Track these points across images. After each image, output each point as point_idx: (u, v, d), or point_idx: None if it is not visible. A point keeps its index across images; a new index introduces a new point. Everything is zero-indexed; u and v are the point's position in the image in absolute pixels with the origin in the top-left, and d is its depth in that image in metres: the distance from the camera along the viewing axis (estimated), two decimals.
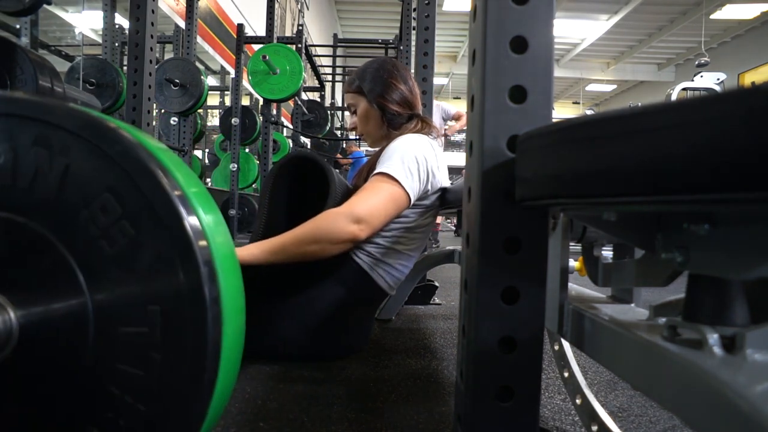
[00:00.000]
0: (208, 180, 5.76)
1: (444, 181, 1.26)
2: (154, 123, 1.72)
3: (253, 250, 1.03)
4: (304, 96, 4.97)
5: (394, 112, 1.27)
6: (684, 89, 5.73)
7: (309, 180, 1.28)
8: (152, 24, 1.61)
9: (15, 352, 0.47)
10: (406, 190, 1.11)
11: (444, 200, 1.24)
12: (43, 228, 0.48)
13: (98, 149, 0.47)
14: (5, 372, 0.48)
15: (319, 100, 5.60)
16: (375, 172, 1.12)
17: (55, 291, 0.48)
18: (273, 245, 1.03)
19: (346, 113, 1.45)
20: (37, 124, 0.48)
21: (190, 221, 0.46)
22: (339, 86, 6.60)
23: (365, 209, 1.06)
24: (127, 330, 0.46)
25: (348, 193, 1.20)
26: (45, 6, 2.05)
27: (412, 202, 1.14)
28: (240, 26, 4.06)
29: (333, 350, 1.16)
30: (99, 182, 0.47)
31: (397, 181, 1.10)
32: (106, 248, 0.47)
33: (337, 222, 1.04)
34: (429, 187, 1.18)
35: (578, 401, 0.81)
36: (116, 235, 0.47)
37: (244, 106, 4.55)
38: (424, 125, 1.29)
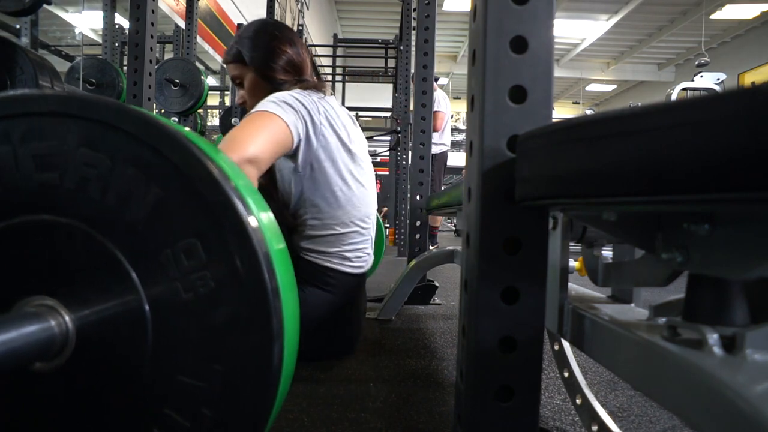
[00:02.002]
0: None
1: (358, 146, 1.16)
2: None
3: None
4: None
5: (282, 80, 1.15)
6: (684, 89, 5.73)
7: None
8: (152, 24, 1.62)
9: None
10: (280, 117, 1.00)
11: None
12: (122, 255, 0.45)
13: (193, 189, 0.44)
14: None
15: None
16: None
17: (118, 320, 0.46)
18: None
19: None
20: (141, 146, 0.45)
21: (271, 286, 0.44)
22: (339, 86, 6.60)
23: (227, 140, 0.95)
24: (185, 380, 0.45)
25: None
26: (45, 6, 2.06)
27: (295, 137, 1.03)
28: (240, 26, 4.06)
29: (323, 351, 1.14)
30: (188, 224, 0.44)
31: (265, 111, 0.99)
32: (181, 293, 0.44)
33: None
34: (316, 130, 1.06)
35: (578, 401, 0.81)
36: (195, 283, 0.44)
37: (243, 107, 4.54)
38: (305, 84, 1.15)
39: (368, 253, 1.21)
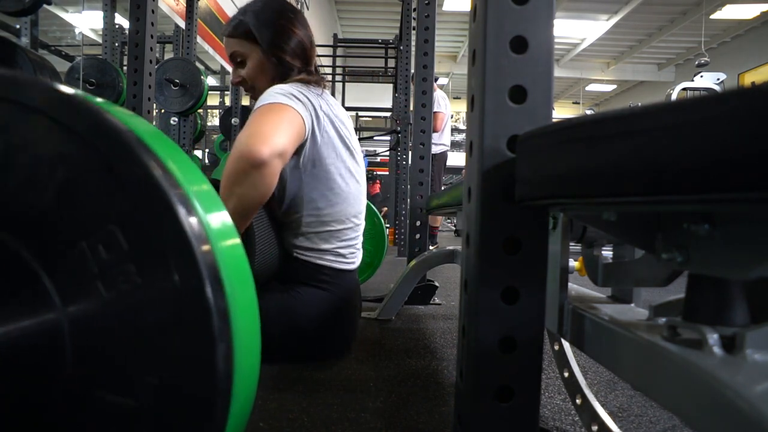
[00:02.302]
0: None
1: (355, 141, 1.15)
2: (154, 123, 1.72)
3: None
4: None
5: (291, 65, 1.10)
6: (684, 89, 5.73)
7: None
8: (152, 24, 1.62)
9: None
10: (293, 107, 0.98)
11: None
12: (27, 252, 0.38)
13: (107, 165, 0.36)
14: None
15: None
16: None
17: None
18: None
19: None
20: (40, 117, 0.37)
21: (210, 277, 0.36)
22: (339, 86, 6.60)
23: (248, 131, 0.93)
24: (110, 398, 0.37)
25: None
26: (45, 6, 2.06)
27: (307, 126, 1.01)
28: None
29: (319, 351, 1.13)
30: (105, 208, 0.37)
31: (270, 102, 0.97)
32: (102, 293, 0.37)
33: (233, 155, 0.93)
34: (320, 126, 1.05)
35: (578, 401, 0.81)
36: (117, 279, 0.37)
37: (244, 106, 4.55)
38: (306, 77, 1.10)
39: (359, 248, 1.21)
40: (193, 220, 0.37)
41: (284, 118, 0.96)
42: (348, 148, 1.14)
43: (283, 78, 1.11)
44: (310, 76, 1.12)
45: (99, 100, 0.41)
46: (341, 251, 1.14)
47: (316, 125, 1.05)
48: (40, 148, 0.38)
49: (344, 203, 1.12)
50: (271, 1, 1.14)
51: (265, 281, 1.09)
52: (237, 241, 0.43)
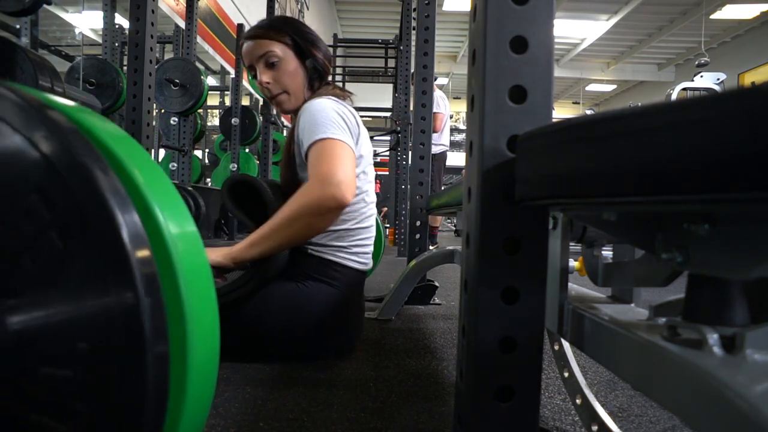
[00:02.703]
0: (209, 180, 5.76)
1: (367, 154, 1.21)
2: (154, 123, 1.72)
3: (238, 247, 1.04)
4: None
5: (316, 75, 1.19)
6: (684, 89, 5.73)
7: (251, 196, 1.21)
8: (152, 24, 1.62)
9: None
10: (349, 145, 1.07)
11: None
12: None
13: (23, 136, 0.36)
14: None
15: None
16: (311, 142, 1.05)
17: None
18: (254, 237, 1.03)
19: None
20: None
21: (129, 226, 0.35)
22: (339, 86, 6.57)
23: (336, 168, 1.01)
24: (49, 371, 0.36)
25: (284, 194, 1.15)
26: (45, 6, 2.06)
27: (358, 143, 1.12)
28: (240, 26, 4.06)
29: (324, 348, 1.14)
30: (25, 180, 0.36)
31: (337, 139, 1.05)
32: (29, 265, 0.36)
33: (315, 192, 1.00)
34: (356, 143, 1.14)
35: (578, 401, 0.81)
36: (41, 248, 0.36)
37: (244, 106, 4.55)
38: (338, 91, 1.21)
39: (370, 252, 1.23)
40: (131, 224, 0.36)
41: (351, 157, 1.06)
42: (368, 154, 1.21)
43: (310, 86, 1.20)
44: (339, 90, 1.21)
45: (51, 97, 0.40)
46: (355, 249, 1.16)
47: (353, 142, 1.12)
48: None
49: (361, 203, 1.18)
50: (291, 17, 1.28)
51: (272, 275, 1.11)
52: (197, 247, 0.42)
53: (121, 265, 0.35)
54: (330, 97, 1.15)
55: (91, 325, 0.36)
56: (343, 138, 1.06)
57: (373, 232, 1.23)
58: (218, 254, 1.04)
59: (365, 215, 1.19)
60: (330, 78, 1.27)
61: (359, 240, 1.18)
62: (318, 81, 1.21)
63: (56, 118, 0.37)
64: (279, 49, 1.15)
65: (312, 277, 1.12)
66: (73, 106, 0.42)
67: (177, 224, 0.41)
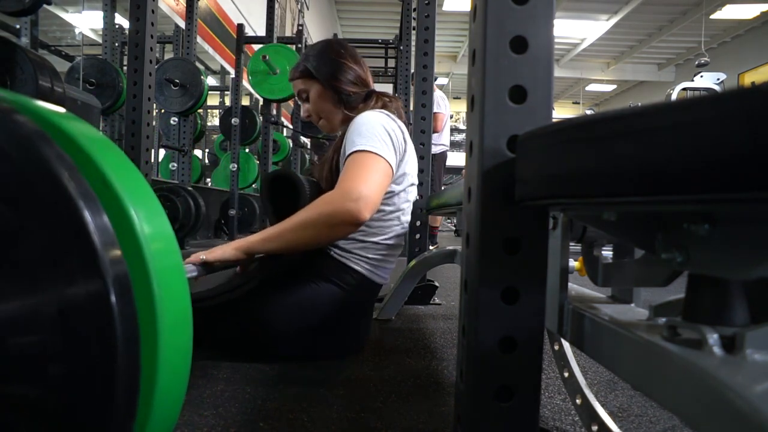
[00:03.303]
0: (209, 180, 5.76)
1: (412, 172, 1.23)
2: (154, 123, 1.72)
3: (251, 239, 1.04)
4: None
5: (349, 92, 1.22)
6: (684, 89, 5.74)
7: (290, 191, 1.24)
8: (152, 24, 1.62)
9: None
10: (387, 160, 1.07)
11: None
12: None
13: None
14: None
15: None
16: (349, 152, 1.07)
17: None
18: (270, 233, 1.03)
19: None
20: None
21: (96, 224, 0.36)
22: None
23: (362, 183, 1.01)
24: (18, 340, 0.37)
25: (320, 192, 1.17)
26: (45, 6, 2.06)
27: (393, 172, 1.11)
28: (240, 26, 4.06)
29: (331, 350, 1.15)
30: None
31: (375, 153, 1.05)
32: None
33: (333, 203, 1.00)
34: (401, 160, 1.15)
35: (578, 401, 0.81)
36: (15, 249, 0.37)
37: (244, 106, 4.55)
38: (383, 101, 1.24)
39: (392, 269, 1.24)
40: (101, 225, 0.37)
41: (383, 174, 1.06)
42: (411, 173, 1.23)
43: (347, 104, 1.23)
44: (388, 100, 1.24)
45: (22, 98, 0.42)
46: (377, 263, 1.17)
47: (396, 166, 1.13)
48: None
49: (395, 220, 1.20)
50: (326, 43, 1.29)
51: (278, 273, 1.12)
52: (171, 246, 0.44)
53: (90, 262, 0.36)
54: (381, 110, 1.17)
55: (61, 324, 0.36)
56: (382, 152, 1.06)
57: (399, 251, 1.24)
58: (231, 246, 1.04)
59: (396, 234, 1.20)
60: (371, 86, 1.28)
61: (385, 255, 1.19)
62: (362, 101, 1.24)
63: (24, 122, 0.38)
64: (303, 84, 1.25)
65: (327, 278, 1.13)
66: (48, 110, 0.43)
67: (151, 224, 0.42)
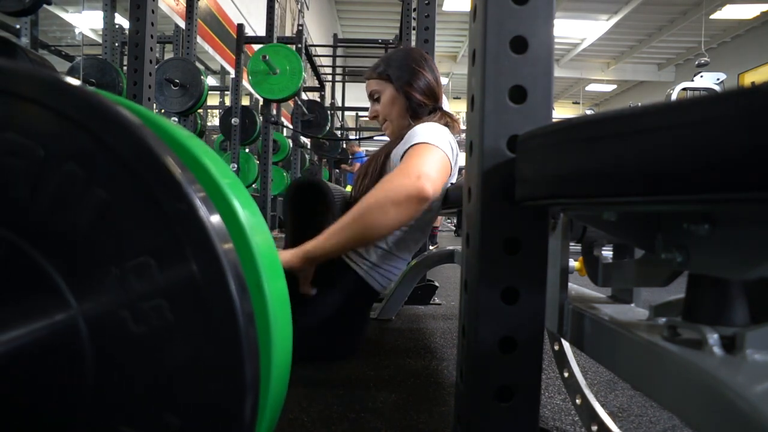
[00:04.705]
0: None
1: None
2: None
3: (312, 243, 0.99)
4: (304, 96, 4.98)
5: (420, 101, 1.23)
6: (684, 89, 5.73)
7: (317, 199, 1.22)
8: (152, 24, 1.61)
9: None
10: (447, 155, 1.07)
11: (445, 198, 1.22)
12: (56, 272, 0.36)
13: (148, 192, 0.35)
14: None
15: (319, 100, 5.60)
16: (410, 145, 1.06)
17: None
18: (330, 229, 0.99)
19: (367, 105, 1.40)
20: (81, 132, 0.35)
21: (246, 326, 0.35)
22: (339, 86, 6.59)
23: (422, 164, 1.00)
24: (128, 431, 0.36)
25: (347, 203, 1.18)
26: (45, 6, 2.06)
27: (452, 172, 1.11)
28: (240, 26, 4.06)
29: (330, 353, 1.15)
30: (141, 237, 0.35)
31: (436, 146, 1.05)
32: (130, 324, 0.35)
33: (394, 180, 0.98)
34: (450, 178, 1.15)
35: (578, 401, 0.81)
36: (147, 313, 0.35)
37: (244, 106, 4.55)
38: (447, 119, 1.25)
39: (394, 280, 1.25)
40: (234, 263, 0.36)
41: (443, 164, 1.06)
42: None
43: (414, 113, 1.24)
44: (451, 120, 1.24)
45: (154, 114, 0.42)
46: (383, 272, 1.18)
47: (453, 168, 1.14)
48: (80, 165, 0.36)
49: (423, 234, 1.22)
50: (406, 49, 1.33)
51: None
52: (284, 296, 0.45)
53: (235, 360, 0.35)
54: (442, 129, 1.17)
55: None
56: (443, 147, 1.06)
57: (405, 265, 1.25)
58: (288, 255, 0.99)
59: (410, 249, 1.21)
60: (441, 102, 1.29)
61: (393, 266, 1.19)
62: (428, 114, 1.25)
63: (128, 116, 0.36)
64: (378, 85, 1.28)
65: (330, 283, 1.12)
66: (167, 122, 0.43)
67: (253, 219, 0.43)
